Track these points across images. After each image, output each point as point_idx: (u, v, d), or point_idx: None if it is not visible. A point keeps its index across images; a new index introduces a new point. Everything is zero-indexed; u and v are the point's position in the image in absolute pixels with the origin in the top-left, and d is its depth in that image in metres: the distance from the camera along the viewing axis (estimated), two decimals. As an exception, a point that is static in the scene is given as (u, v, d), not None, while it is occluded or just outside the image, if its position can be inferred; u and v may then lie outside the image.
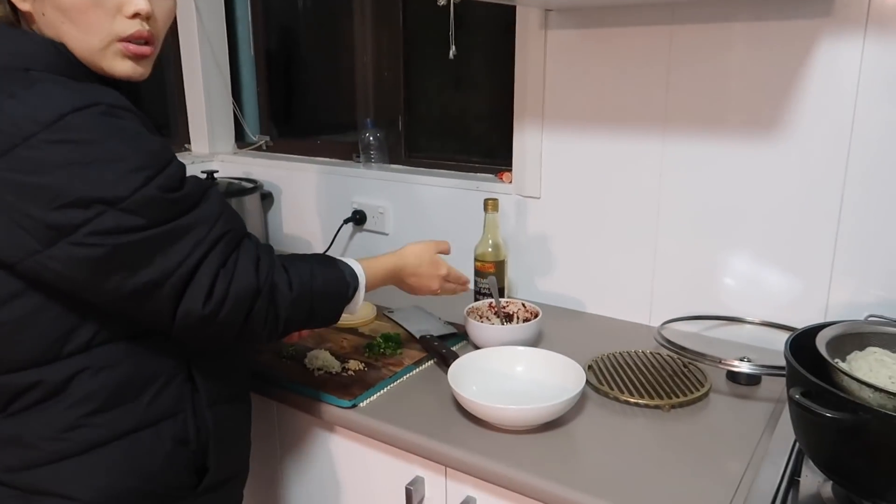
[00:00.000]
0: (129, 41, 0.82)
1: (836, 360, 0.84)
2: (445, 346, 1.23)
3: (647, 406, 1.07)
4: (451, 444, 0.98)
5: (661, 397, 1.08)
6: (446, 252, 1.18)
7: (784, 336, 1.23)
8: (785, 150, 1.20)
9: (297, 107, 2.14)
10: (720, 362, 1.09)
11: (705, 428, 1.03)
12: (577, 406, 1.07)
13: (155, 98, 2.11)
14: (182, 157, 2.03)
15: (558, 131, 1.44)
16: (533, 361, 1.14)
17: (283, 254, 0.94)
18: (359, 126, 1.88)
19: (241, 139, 2.18)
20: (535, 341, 1.29)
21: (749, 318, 1.27)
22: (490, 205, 1.39)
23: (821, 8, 1.12)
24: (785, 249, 1.23)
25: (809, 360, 0.83)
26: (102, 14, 0.80)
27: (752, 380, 1.14)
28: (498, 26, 1.56)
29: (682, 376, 1.15)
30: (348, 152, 1.90)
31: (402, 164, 1.82)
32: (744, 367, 1.08)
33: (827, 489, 0.86)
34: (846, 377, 0.79)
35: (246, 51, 2.15)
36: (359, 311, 1.40)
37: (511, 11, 1.44)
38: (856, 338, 0.89)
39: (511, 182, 1.54)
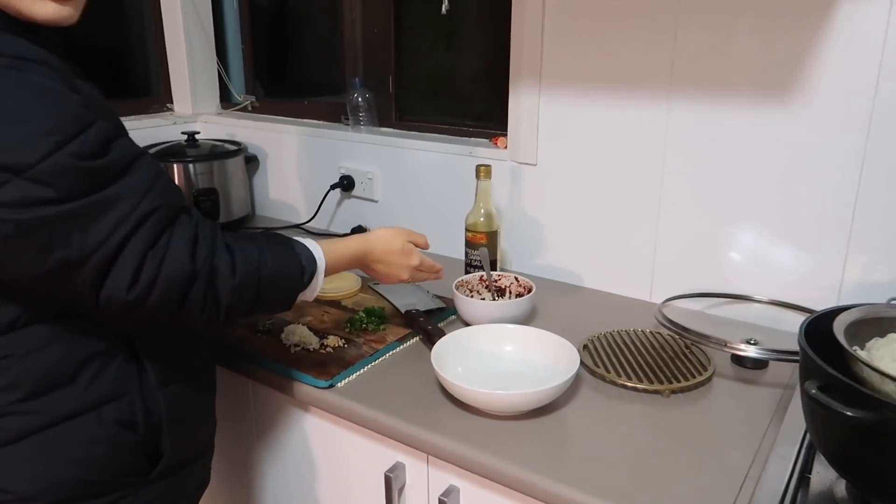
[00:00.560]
0: None
1: (855, 347, 0.76)
2: (431, 323, 1.15)
3: (645, 391, 1.00)
4: (434, 431, 0.91)
5: (660, 381, 1.01)
6: (423, 246, 1.08)
7: (794, 316, 1.17)
8: (800, 117, 1.11)
9: (284, 65, 2.03)
10: (725, 345, 1.01)
11: (707, 416, 0.95)
12: (571, 389, 1.00)
13: (135, 56, 2.00)
14: (163, 118, 1.94)
15: (557, 94, 1.34)
16: (524, 340, 1.07)
17: (236, 231, 0.86)
18: (348, 86, 1.77)
19: (225, 99, 2.08)
20: (528, 318, 1.21)
21: (756, 297, 1.19)
22: (482, 172, 1.30)
23: (848, -42, 1.02)
24: (797, 223, 1.15)
25: (824, 346, 0.75)
26: None
27: (758, 364, 1.06)
28: (495, -21, 1.45)
29: (683, 359, 1.08)
30: (337, 114, 1.80)
31: (393, 128, 1.72)
32: (750, 351, 1.01)
33: (840, 488, 0.79)
34: (866, 368, 0.71)
35: (230, 6, 2.03)
36: (342, 283, 1.34)
37: (509, -38, 1.34)
38: (876, 323, 0.81)
39: (506, 148, 1.45)
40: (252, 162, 1.88)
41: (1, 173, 0.64)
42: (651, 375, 1.02)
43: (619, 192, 1.32)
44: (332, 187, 1.70)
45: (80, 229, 0.68)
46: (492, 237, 1.31)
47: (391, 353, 1.12)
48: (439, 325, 1.21)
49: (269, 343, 1.12)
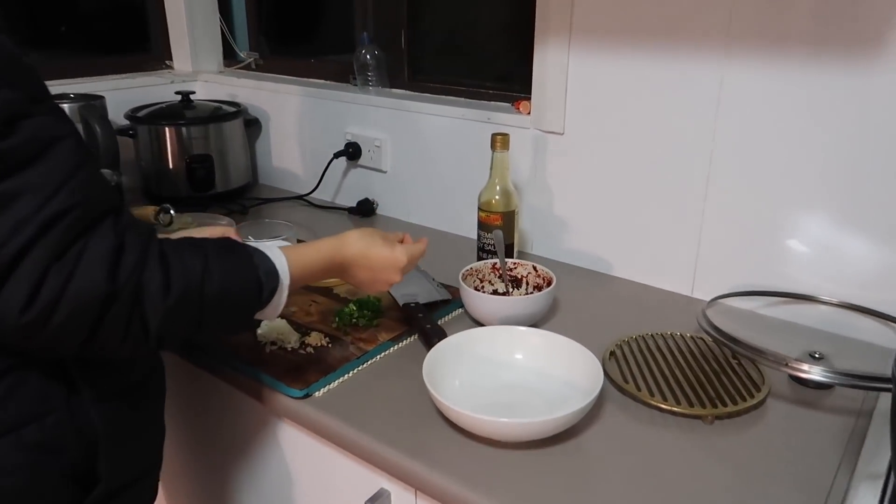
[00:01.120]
0: None
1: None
2: (431, 320, 0.98)
3: (683, 415, 0.82)
4: (424, 460, 0.75)
5: (702, 404, 0.83)
6: (419, 252, 0.91)
7: (868, 323, 0.96)
8: (883, 81, 0.89)
9: (291, 20, 1.85)
10: (786, 364, 0.82)
11: (760, 449, 0.77)
12: (594, 409, 0.83)
13: (133, 8, 1.84)
14: (160, 76, 1.79)
15: (589, 51, 1.14)
16: (537, 347, 0.89)
17: (177, 237, 0.70)
18: (356, 43, 1.59)
19: (229, 57, 1.91)
20: (547, 314, 1.04)
21: (823, 297, 0.99)
22: (499, 142, 1.11)
23: None
24: (874, 211, 0.94)
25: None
26: None
27: (824, 384, 0.87)
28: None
29: (731, 374, 0.89)
30: (344, 73, 1.62)
31: (404, 89, 1.53)
32: (815, 374, 0.81)
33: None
34: None
35: (235, -48, 1.85)
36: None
37: None
38: None
39: (529, 113, 1.25)
40: (253, 125, 1.72)
41: None
42: (691, 395, 0.84)
43: (659, 167, 1.12)
44: (336, 155, 1.53)
45: None
46: (508, 218, 1.13)
47: (383, 354, 0.96)
48: (444, 319, 1.05)
49: (242, 339, 0.97)
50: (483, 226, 1.15)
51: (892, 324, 0.95)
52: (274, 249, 0.75)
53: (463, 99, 1.42)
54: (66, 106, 1.49)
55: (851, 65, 0.91)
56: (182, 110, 1.61)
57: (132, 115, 1.58)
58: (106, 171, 1.29)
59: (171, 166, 1.57)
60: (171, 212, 1.18)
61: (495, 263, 1.10)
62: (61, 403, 0.68)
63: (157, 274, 0.62)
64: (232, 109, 1.65)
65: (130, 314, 0.60)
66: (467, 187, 1.36)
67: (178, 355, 0.99)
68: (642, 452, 0.77)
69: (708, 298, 1.11)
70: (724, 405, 0.82)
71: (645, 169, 1.13)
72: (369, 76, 1.54)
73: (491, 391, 0.85)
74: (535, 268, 1.08)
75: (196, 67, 1.85)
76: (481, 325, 1.02)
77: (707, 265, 1.11)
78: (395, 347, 0.97)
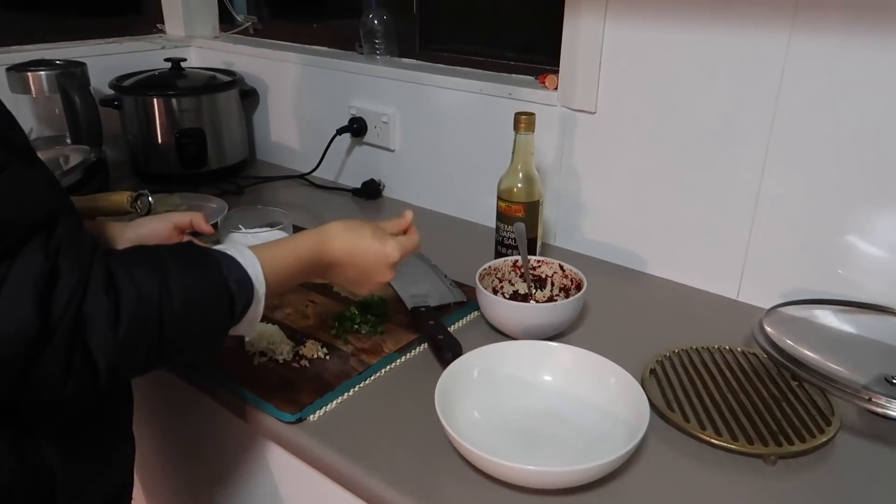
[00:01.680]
0: None
1: None
2: (443, 329, 0.86)
3: (740, 453, 0.70)
4: (433, 505, 0.64)
5: (762, 440, 0.70)
6: (396, 230, 0.77)
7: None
8: None
9: (292, -21, 1.70)
10: (867, 400, 0.69)
11: (832, 496, 0.65)
12: (632, 444, 0.70)
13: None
14: (150, 41, 1.64)
15: (629, 16, 0.99)
16: (568, 368, 0.77)
17: (128, 246, 0.58)
18: (363, 7, 1.44)
19: (226, 21, 1.76)
20: (575, 322, 0.91)
21: (899, 310, 0.86)
22: (523, 122, 0.97)
23: None
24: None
25: None
26: None
27: (906, 417, 0.74)
28: None
29: (793, 401, 0.76)
30: (350, 40, 1.47)
31: (415, 59, 1.39)
32: (893, 409, 0.68)
33: None
34: None
35: None
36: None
37: None
38: None
39: (556, 89, 1.11)
40: (250, 97, 1.58)
41: None
42: (749, 428, 0.72)
43: (706, 152, 0.98)
44: (339, 132, 1.39)
45: None
46: (531, 209, 1.00)
47: (388, 368, 0.83)
48: (458, 325, 0.92)
49: (228, 348, 0.85)
50: (503, 217, 1.02)
51: (979, 342, 0.82)
52: (245, 252, 0.62)
53: (481, 71, 1.27)
54: (42, 73, 1.35)
55: (949, 37, 0.77)
56: (172, 79, 1.47)
57: (117, 85, 1.45)
58: (82, 148, 1.17)
59: (159, 141, 1.44)
60: (150, 198, 1.05)
61: (516, 260, 0.97)
62: (4, 444, 0.56)
63: (103, 300, 0.49)
64: (227, 79, 1.51)
65: (70, 352, 0.48)
66: (484, 170, 1.22)
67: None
68: (695, 499, 0.65)
69: (755, 303, 0.98)
70: (790, 443, 0.69)
71: (689, 154, 0.99)
72: (377, 44, 1.40)
73: (515, 422, 0.73)
74: (561, 267, 0.95)
75: (189, 32, 1.71)
76: (500, 332, 0.90)
77: (757, 266, 0.98)
78: (403, 360, 0.85)
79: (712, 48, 0.93)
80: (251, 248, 0.64)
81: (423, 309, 0.91)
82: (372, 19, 1.38)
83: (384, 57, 1.40)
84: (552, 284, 0.96)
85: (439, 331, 0.85)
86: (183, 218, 0.85)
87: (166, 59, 1.50)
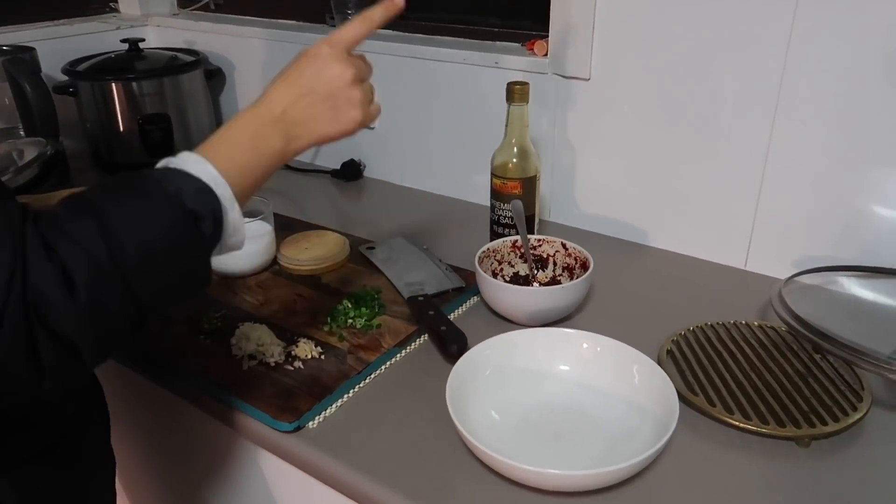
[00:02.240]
0: None
1: None
2: (444, 319, 0.80)
3: (771, 436, 0.66)
4: (452, 515, 0.59)
5: (794, 422, 0.66)
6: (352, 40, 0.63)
7: None
8: None
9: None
10: (884, 367, 0.65)
11: (868, 476, 0.62)
12: (657, 434, 0.66)
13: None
14: (104, 21, 1.54)
15: (623, -26, 0.93)
16: (586, 359, 0.71)
17: (56, 200, 0.49)
18: (332, -26, 1.35)
19: (183, -4, 1.66)
20: (582, 303, 0.86)
21: (919, 275, 0.83)
22: (516, 93, 0.90)
23: None
24: None
25: None
26: None
27: (938, 388, 0.71)
28: None
29: (819, 378, 0.73)
30: (320, 11, 1.38)
31: (392, 29, 1.31)
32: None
33: None
34: None
35: None
36: (322, 249, 0.98)
37: None
38: None
39: (546, 55, 1.04)
40: (216, 77, 1.49)
41: None
42: (778, 410, 0.68)
43: (710, 116, 0.93)
44: (315, 110, 1.31)
45: None
46: (528, 185, 0.94)
47: (388, 364, 0.78)
48: (458, 311, 0.87)
49: (213, 353, 0.78)
50: (498, 195, 0.96)
51: None
52: (189, 157, 0.53)
53: (464, 39, 1.20)
54: (-13, 61, 1.25)
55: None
56: (131, 62, 1.38)
57: (71, 70, 1.34)
58: (38, 141, 1.07)
59: (121, 128, 1.35)
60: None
61: (516, 241, 0.91)
62: None
63: (47, 269, 0.43)
64: (190, 59, 1.41)
65: (30, 338, 0.42)
66: (473, 145, 1.16)
67: (131, 369, 0.81)
68: (728, 490, 0.61)
69: (764, 272, 0.95)
70: (824, 423, 0.66)
71: (691, 120, 0.94)
72: (349, 14, 1.31)
73: (534, 419, 0.68)
74: (564, 245, 0.90)
75: (145, 10, 1.60)
76: (503, 318, 0.85)
77: (765, 234, 0.94)
78: (403, 354, 0.79)
79: (716, 4, 0.87)
80: (197, 151, 0.54)
81: (420, 298, 0.85)
82: (343, -12, 1.30)
83: (358, 28, 1.31)
84: (554, 264, 0.91)
85: (441, 321, 0.79)
86: None
87: (123, 41, 1.40)
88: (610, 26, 0.96)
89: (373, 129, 1.30)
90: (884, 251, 0.85)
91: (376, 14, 0.63)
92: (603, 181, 1.06)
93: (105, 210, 0.47)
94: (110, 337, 0.47)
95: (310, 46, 0.61)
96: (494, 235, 0.98)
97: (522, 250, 0.91)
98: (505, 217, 0.96)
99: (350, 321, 0.82)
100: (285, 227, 1.03)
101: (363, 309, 0.83)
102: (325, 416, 0.70)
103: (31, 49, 1.31)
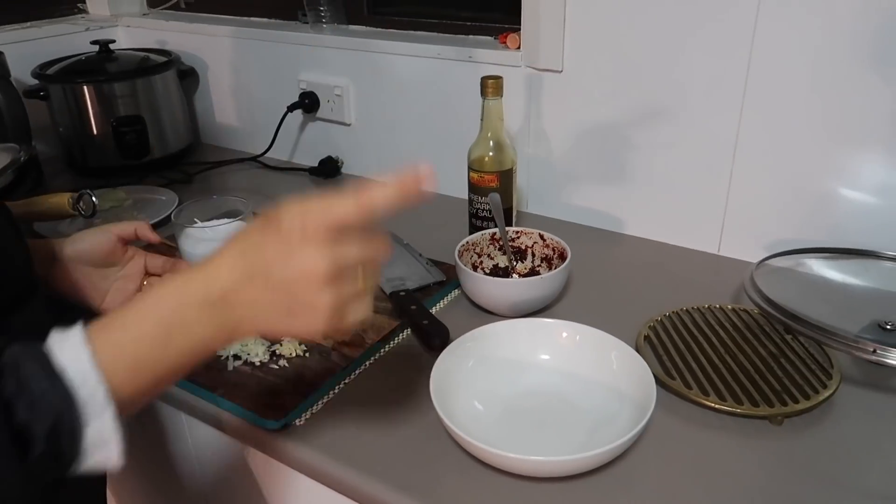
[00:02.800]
0: None
1: None
2: (426, 313, 0.81)
3: (745, 416, 0.68)
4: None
5: (767, 401, 0.68)
6: (346, 219, 0.46)
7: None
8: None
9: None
10: (863, 350, 0.68)
11: (841, 451, 0.64)
12: (637, 418, 0.68)
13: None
14: (72, 23, 1.52)
15: (592, -34, 0.94)
16: (566, 347, 0.73)
17: None
18: (303, -29, 1.35)
19: (153, -5, 1.64)
20: (561, 293, 0.88)
21: (886, 253, 0.85)
22: (490, 87, 0.92)
23: None
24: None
25: None
26: None
27: (904, 362, 0.73)
28: None
29: (791, 357, 0.75)
30: (292, 8, 1.38)
31: (364, 25, 1.31)
32: (894, 359, 0.67)
33: None
34: None
35: None
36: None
37: None
38: None
39: (519, 48, 1.06)
40: (189, 77, 1.48)
41: None
42: (752, 390, 0.70)
43: (680, 104, 0.95)
44: (290, 108, 1.31)
45: None
46: (505, 178, 0.95)
47: (372, 359, 0.79)
48: (439, 305, 0.88)
49: (198, 353, 0.79)
50: (475, 188, 0.97)
51: (963, 279, 0.82)
52: (71, 339, 0.41)
53: (436, 34, 1.20)
54: (-46, 67, 1.23)
55: (927, -30, 0.74)
56: (102, 63, 1.36)
57: (41, 73, 1.33)
58: (11, 147, 1.06)
59: (95, 132, 1.33)
60: (93, 197, 0.97)
61: (494, 233, 0.93)
62: None
63: None
64: (162, 59, 1.40)
65: None
66: (449, 139, 1.17)
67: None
68: (706, 468, 0.63)
69: (737, 256, 0.97)
70: (795, 401, 0.68)
71: (662, 108, 0.96)
72: (322, 11, 1.31)
73: (517, 408, 0.69)
74: (541, 236, 0.91)
75: (115, 10, 1.58)
76: (484, 310, 0.86)
77: (737, 218, 0.96)
78: (386, 349, 0.80)
79: (681, -5, 0.89)
80: (84, 331, 0.42)
81: (402, 293, 0.86)
82: (314, -15, 1.30)
83: (331, 25, 1.32)
84: (533, 255, 0.92)
85: (423, 315, 0.80)
86: (126, 228, 0.76)
87: (93, 42, 1.38)
88: (580, 18, 0.97)
89: (349, 125, 1.30)
90: (851, 232, 0.88)
91: (379, 194, 0.45)
92: (578, 171, 1.07)
93: None
94: None
95: (285, 209, 0.45)
96: (473, 228, 0.99)
97: (501, 242, 0.92)
98: (483, 210, 0.97)
99: (333, 318, 0.83)
100: (265, 227, 1.04)
101: (346, 306, 0.84)
102: (311, 413, 0.71)
103: (0, 53, 1.29)
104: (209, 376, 0.75)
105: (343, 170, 1.35)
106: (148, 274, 0.78)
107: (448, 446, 0.66)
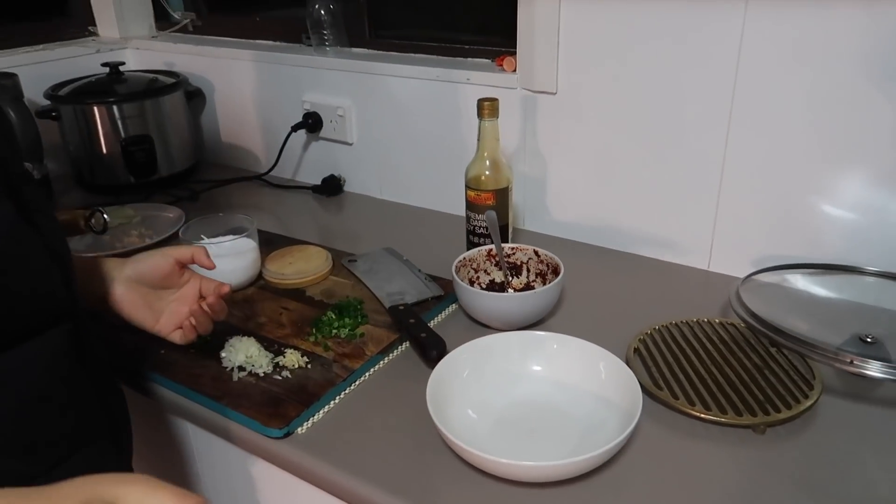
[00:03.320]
0: None
1: None
2: (424, 326, 0.84)
3: (729, 425, 0.70)
4: (434, 509, 0.63)
5: (751, 411, 0.71)
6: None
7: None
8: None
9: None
10: (842, 362, 0.71)
11: (821, 459, 0.67)
12: (625, 427, 0.70)
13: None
14: (83, 45, 1.57)
15: (584, -6, 0.98)
16: (557, 359, 0.76)
17: None
18: (307, -5, 1.39)
19: (161, 19, 1.69)
20: (554, 307, 0.91)
21: (867, 268, 0.88)
22: (486, 108, 0.95)
23: None
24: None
25: None
26: None
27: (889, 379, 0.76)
28: None
29: (774, 369, 0.78)
30: (296, 32, 1.43)
31: (366, 47, 1.35)
32: (872, 370, 0.70)
33: None
34: None
35: None
36: (307, 263, 1.01)
37: None
38: None
39: (515, 71, 1.10)
40: (196, 98, 1.52)
41: None
42: (737, 400, 0.73)
43: (669, 125, 0.98)
44: (294, 128, 1.35)
45: None
46: (501, 196, 0.99)
47: (372, 371, 0.82)
48: (437, 319, 0.91)
49: (204, 366, 0.82)
50: (472, 206, 1.00)
51: (943, 294, 0.85)
52: None
53: (435, 57, 1.25)
54: (-30, 88, 1.27)
55: (900, -1, 0.78)
56: (112, 85, 1.41)
57: (53, 94, 1.37)
58: (24, 166, 1.10)
59: (104, 151, 1.37)
60: (105, 215, 1.00)
61: (491, 249, 0.96)
62: None
63: None
64: (170, 81, 1.45)
65: None
66: (448, 158, 1.20)
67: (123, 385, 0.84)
68: (691, 475, 0.65)
69: (726, 272, 1.00)
70: (777, 410, 0.71)
71: (652, 129, 1.00)
72: (325, 34, 1.36)
73: (509, 417, 0.72)
74: (536, 252, 0.94)
75: (124, 33, 1.63)
76: (480, 323, 0.89)
77: (726, 235, 0.99)
78: (386, 360, 0.83)
79: (670, 20, 0.93)
80: None
81: (401, 307, 0.89)
82: (318, 8, 1.34)
83: (334, 48, 1.36)
84: (528, 270, 0.96)
85: (421, 329, 0.83)
86: (184, 252, 0.78)
87: (103, 64, 1.43)
88: (573, 43, 1.01)
89: (351, 144, 1.34)
90: (833, 248, 0.91)
91: None
92: (572, 190, 1.11)
93: None
94: None
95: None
96: (470, 245, 1.02)
97: (497, 258, 0.95)
98: (480, 227, 1.01)
99: (334, 331, 0.86)
100: (269, 243, 1.07)
101: (347, 319, 0.87)
102: (313, 422, 0.74)
103: (13, 75, 1.33)
104: (215, 386, 0.78)
105: (345, 188, 1.39)
106: (202, 297, 0.79)
107: (444, 453, 0.68)
